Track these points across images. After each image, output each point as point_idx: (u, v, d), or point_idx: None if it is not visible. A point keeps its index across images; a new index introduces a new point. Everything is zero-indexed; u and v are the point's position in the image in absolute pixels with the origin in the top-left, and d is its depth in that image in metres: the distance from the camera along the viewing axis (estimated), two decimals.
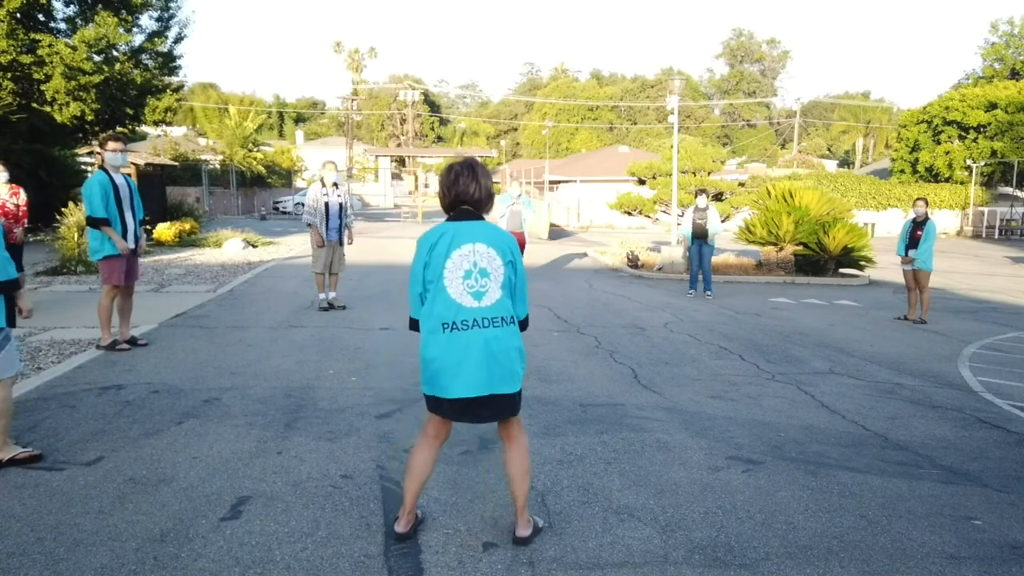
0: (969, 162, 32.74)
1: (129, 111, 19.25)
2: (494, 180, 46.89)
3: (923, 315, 9.70)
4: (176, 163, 34.82)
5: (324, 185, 9.17)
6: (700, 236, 11.71)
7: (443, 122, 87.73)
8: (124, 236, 6.57)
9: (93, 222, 6.41)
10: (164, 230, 17.66)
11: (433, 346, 2.99)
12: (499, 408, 3.06)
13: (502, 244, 3.06)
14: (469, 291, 2.98)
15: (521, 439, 3.20)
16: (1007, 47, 42.51)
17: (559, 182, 38.44)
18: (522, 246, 12.72)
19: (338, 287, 9.55)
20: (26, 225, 9.21)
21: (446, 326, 2.97)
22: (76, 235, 12.28)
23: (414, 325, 3.17)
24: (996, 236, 31.67)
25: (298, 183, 49.36)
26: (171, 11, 19.88)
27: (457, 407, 3.02)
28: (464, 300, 2.98)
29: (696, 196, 11.93)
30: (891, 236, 27.38)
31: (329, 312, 9.00)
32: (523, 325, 3.21)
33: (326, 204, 9.08)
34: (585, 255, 18.84)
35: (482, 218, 3.14)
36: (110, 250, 6.49)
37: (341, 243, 9.38)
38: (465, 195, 3.10)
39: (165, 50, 20.06)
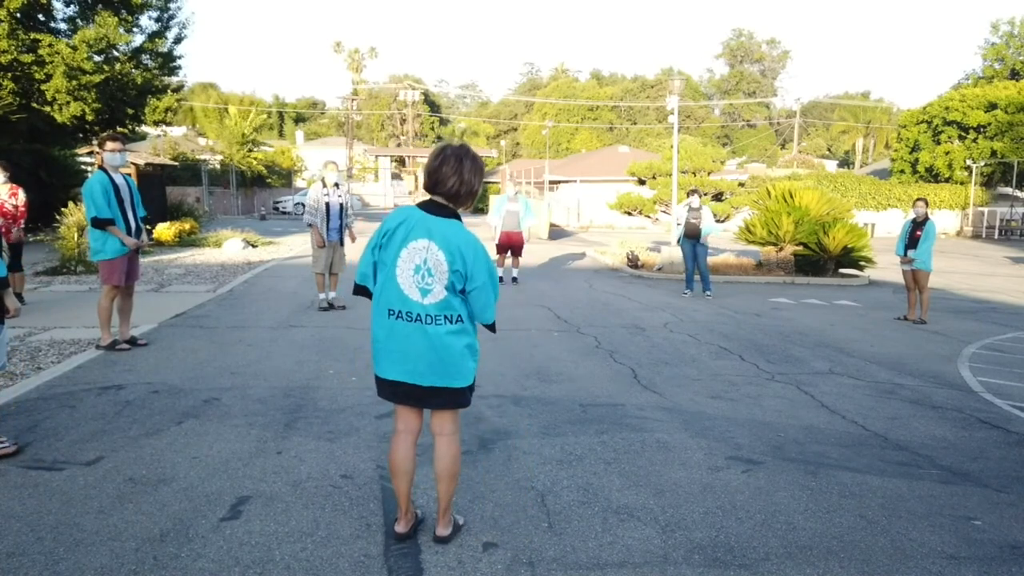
0: (969, 162, 32.76)
1: (129, 111, 19.26)
2: (493, 180, 47.04)
3: (923, 315, 9.70)
4: (176, 163, 34.83)
5: (325, 185, 9.17)
6: (693, 236, 11.71)
7: (443, 122, 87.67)
8: (128, 235, 6.58)
9: (99, 223, 6.39)
10: (164, 230, 17.65)
11: (379, 328, 3.05)
12: (445, 399, 3.07)
13: (453, 250, 2.91)
14: (417, 285, 2.96)
15: (453, 438, 3.15)
16: (1007, 47, 42.52)
17: (559, 182, 38.44)
18: (519, 247, 12.72)
19: (338, 287, 9.55)
20: (23, 225, 9.20)
21: (392, 313, 3.00)
22: (76, 235, 12.28)
23: (356, 289, 3.17)
24: (996, 236, 31.68)
25: (298, 183, 49.37)
26: (171, 11, 19.90)
27: (398, 390, 3.05)
28: (411, 293, 2.97)
29: (689, 195, 11.94)
30: (891, 236, 27.39)
31: (329, 312, 9.00)
32: (488, 328, 3.17)
33: (327, 204, 9.09)
34: (584, 255, 18.85)
35: (454, 214, 3.01)
36: (111, 251, 6.48)
37: (341, 243, 9.39)
38: (442, 185, 2.96)
39: (165, 50, 20.07)
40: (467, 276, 2.96)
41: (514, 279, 12.73)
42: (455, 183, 2.96)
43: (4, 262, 4.31)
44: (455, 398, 3.08)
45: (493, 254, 13.08)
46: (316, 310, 9.14)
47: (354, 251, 10.69)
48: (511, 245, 12.63)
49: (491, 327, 3.17)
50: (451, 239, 2.93)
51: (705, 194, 12.13)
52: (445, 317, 2.98)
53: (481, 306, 3.04)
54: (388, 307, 3.01)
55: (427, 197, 3.05)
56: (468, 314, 3.06)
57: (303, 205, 9.69)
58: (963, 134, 33.77)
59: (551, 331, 8.27)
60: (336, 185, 9.29)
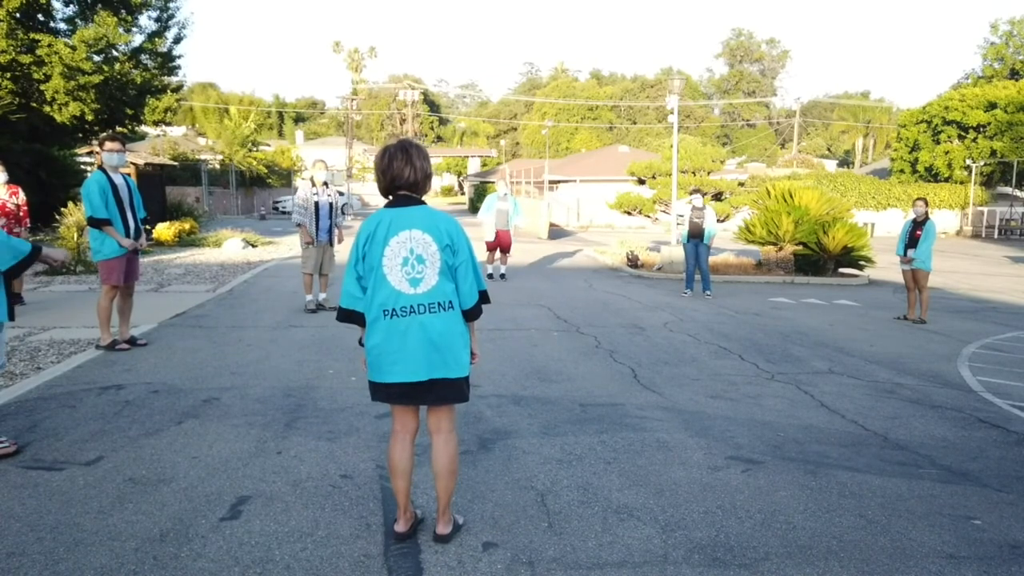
0: (969, 162, 32.76)
1: (129, 111, 19.27)
2: (491, 180, 47.10)
3: (922, 315, 9.71)
4: (176, 163, 34.83)
5: (314, 184, 8.99)
6: (696, 235, 11.71)
7: (443, 122, 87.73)
8: (127, 235, 6.58)
9: (95, 222, 6.40)
10: (164, 230, 17.66)
11: (375, 334, 3.03)
12: (443, 392, 3.07)
13: (438, 229, 3.02)
14: (407, 278, 2.99)
15: (451, 435, 3.17)
16: (1007, 47, 42.52)
17: (559, 182, 38.42)
18: (508, 245, 12.79)
19: (335, 287, 9.50)
20: (28, 225, 9.21)
21: (386, 313, 3.00)
22: (76, 235, 12.28)
23: (342, 315, 3.13)
24: (996, 236, 31.70)
25: (297, 183, 49.31)
26: (170, 11, 19.91)
27: (395, 391, 3.04)
28: (402, 287, 2.99)
29: (691, 195, 11.95)
30: (891, 236, 27.39)
31: (325, 312, 8.96)
32: (474, 312, 3.13)
33: (316, 204, 8.95)
34: (583, 254, 18.84)
35: (421, 202, 3.12)
36: (111, 251, 6.48)
37: (331, 243, 9.23)
38: (400, 179, 3.06)
39: (164, 50, 20.09)
40: (456, 251, 3.04)
41: (502, 275, 12.84)
42: (411, 172, 3.07)
43: None
44: (454, 391, 3.08)
45: (481, 252, 13.11)
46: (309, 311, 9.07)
47: (344, 251, 10.76)
48: (500, 243, 12.73)
49: (479, 305, 3.14)
50: (431, 220, 3.04)
51: (705, 194, 12.10)
52: (439, 304, 3.01)
53: (469, 284, 3.09)
54: (382, 308, 3.01)
55: (389, 199, 3.12)
56: (454, 301, 3.08)
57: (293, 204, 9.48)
58: (963, 134, 33.77)
59: (551, 331, 8.27)
60: (325, 184, 9.09)
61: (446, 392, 3.07)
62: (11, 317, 4.06)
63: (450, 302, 3.04)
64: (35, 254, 4.01)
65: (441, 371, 3.00)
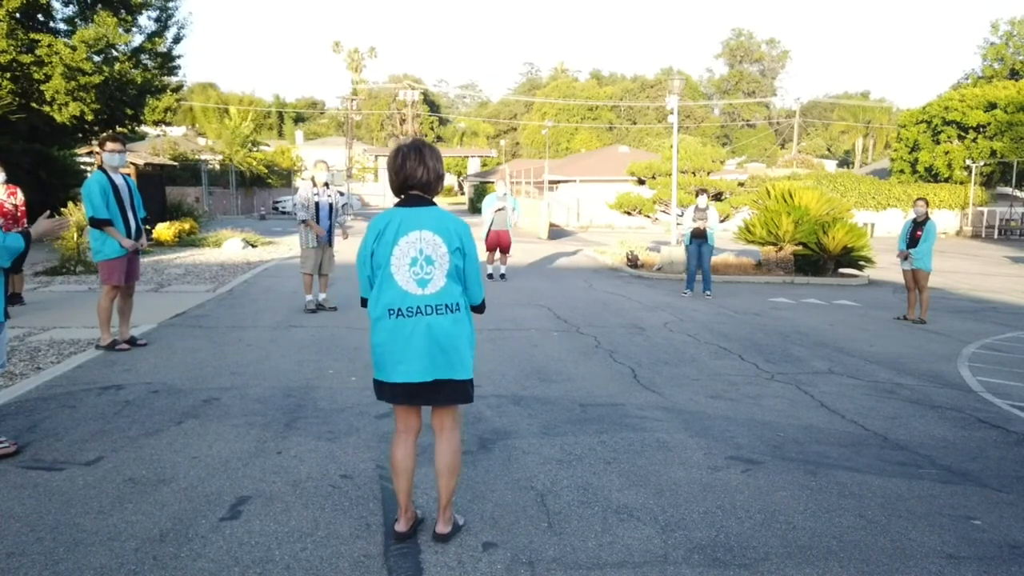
0: (969, 162, 32.77)
1: (128, 111, 19.24)
2: (491, 180, 47.11)
3: (922, 315, 9.71)
4: (175, 163, 34.83)
5: (315, 185, 8.97)
6: (699, 236, 11.71)
7: (443, 122, 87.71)
8: (128, 235, 6.58)
9: (96, 223, 6.40)
10: (163, 230, 17.65)
11: (380, 332, 3.04)
12: (449, 393, 3.07)
13: (449, 231, 3.03)
14: (415, 278, 2.99)
15: (453, 433, 3.18)
16: (1007, 47, 42.54)
17: (559, 182, 38.42)
18: (507, 246, 12.81)
19: (334, 287, 9.47)
20: (25, 225, 9.21)
21: (392, 312, 3.01)
22: (76, 235, 12.27)
23: (365, 303, 3.20)
24: (996, 236, 31.71)
25: (297, 183, 49.32)
26: (169, 11, 19.89)
27: (400, 391, 3.04)
28: (410, 287, 2.99)
29: (696, 196, 11.95)
30: (891, 236, 27.41)
31: (325, 313, 8.97)
32: (478, 310, 3.25)
33: (316, 204, 8.93)
34: (583, 255, 18.84)
35: (432, 203, 3.12)
36: (111, 252, 6.48)
37: (331, 244, 9.21)
38: (413, 179, 3.07)
39: (164, 50, 20.07)
40: (465, 254, 3.06)
41: (502, 275, 12.85)
42: (423, 172, 3.07)
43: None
44: (459, 392, 3.09)
45: (481, 252, 13.13)
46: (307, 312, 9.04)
47: (344, 252, 10.76)
48: (499, 243, 12.75)
49: (481, 306, 3.25)
50: (442, 222, 3.04)
51: (708, 194, 12.20)
52: (446, 306, 3.01)
53: (476, 284, 3.14)
54: (388, 308, 3.01)
55: (401, 198, 3.14)
56: (465, 303, 3.11)
57: (294, 204, 9.44)
58: (963, 134, 33.78)
59: (551, 331, 8.27)
60: (326, 185, 9.07)
61: (452, 393, 3.07)
62: (6, 316, 4.08)
63: (457, 304, 3.04)
64: (28, 242, 4.11)
65: (446, 372, 3.00)
